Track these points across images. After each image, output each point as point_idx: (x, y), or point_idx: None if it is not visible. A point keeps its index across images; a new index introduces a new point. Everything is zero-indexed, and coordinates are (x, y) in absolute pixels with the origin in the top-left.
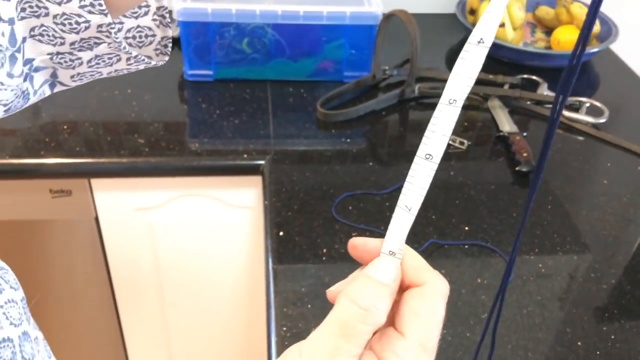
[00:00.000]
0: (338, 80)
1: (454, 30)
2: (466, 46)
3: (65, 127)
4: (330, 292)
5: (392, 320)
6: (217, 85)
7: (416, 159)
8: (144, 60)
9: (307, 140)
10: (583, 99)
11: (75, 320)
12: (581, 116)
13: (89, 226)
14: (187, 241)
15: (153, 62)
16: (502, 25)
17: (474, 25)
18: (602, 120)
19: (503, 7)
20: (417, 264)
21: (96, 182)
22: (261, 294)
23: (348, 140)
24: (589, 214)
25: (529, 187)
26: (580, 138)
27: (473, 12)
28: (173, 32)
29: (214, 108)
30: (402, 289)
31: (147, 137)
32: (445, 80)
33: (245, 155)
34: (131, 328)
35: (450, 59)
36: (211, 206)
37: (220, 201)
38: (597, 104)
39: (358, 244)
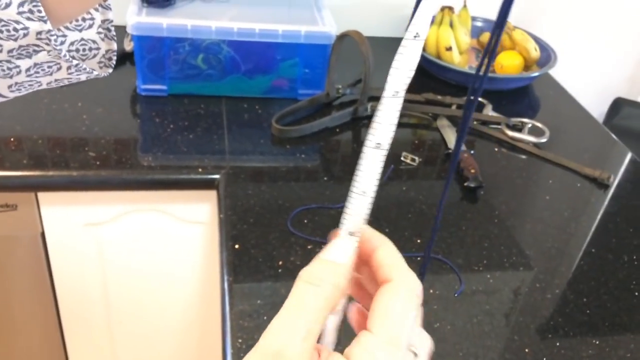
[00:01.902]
0: (292, 97)
1: None
2: (404, 42)
3: (12, 139)
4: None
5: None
6: (171, 100)
7: (365, 149)
8: (85, 69)
9: (262, 155)
10: (525, 120)
11: (18, 340)
12: (524, 136)
13: (35, 242)
14: (137, 257)
15: (95, 73)
16: (450, 49)
17: (423, 50)
18: (543, 140)
19: (432, 7)
20: (392, 262)
21: (43, 196)
22: (215, 310)
23: (302, 155)
24: (533, 228)
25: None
26: (523, 156)
27: None
28: (127, 46)
29: (168, 123)
30: (377, 284)
31: (98, 151)
32: None
33: (200, 170)
34: (76, 349)
35: None
36: (163, 221)
37: (172, 216)
38: (539, 124)
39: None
